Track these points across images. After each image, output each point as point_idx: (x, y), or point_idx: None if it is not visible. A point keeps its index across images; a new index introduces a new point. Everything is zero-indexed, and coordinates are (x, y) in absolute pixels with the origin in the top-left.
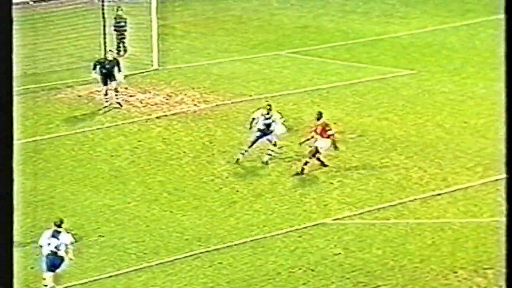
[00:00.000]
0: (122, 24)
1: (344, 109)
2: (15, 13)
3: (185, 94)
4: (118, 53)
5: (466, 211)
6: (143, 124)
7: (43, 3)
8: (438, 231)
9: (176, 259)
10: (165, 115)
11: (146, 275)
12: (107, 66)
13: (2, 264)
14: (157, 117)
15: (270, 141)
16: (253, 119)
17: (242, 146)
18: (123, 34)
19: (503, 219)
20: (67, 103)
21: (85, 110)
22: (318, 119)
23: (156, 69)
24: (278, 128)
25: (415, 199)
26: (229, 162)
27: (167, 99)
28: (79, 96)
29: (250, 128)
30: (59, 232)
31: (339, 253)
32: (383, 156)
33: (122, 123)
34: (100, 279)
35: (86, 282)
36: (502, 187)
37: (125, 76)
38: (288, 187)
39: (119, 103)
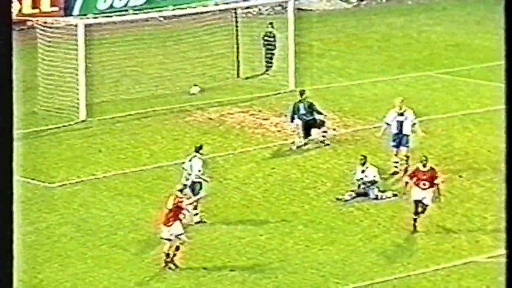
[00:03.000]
0: (272, 40)
1: (500, 136)
2: (143, 31)
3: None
4: (266, 71)
5: None
6: (278, 150)
7: (173, 19)
8: None
9: None
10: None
11: None
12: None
13: None
14: (292, 142)
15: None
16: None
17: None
18: (272, 52)
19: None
20: (196, 126)
21: (216, 134)
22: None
23: (292, 90)
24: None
25: None
26: None
27: None
28: (210, 119)
29: None
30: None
31: None
32: None
33: (254, 149)
34: None
35: None
36: None
37: (259, 97)
38: None
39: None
